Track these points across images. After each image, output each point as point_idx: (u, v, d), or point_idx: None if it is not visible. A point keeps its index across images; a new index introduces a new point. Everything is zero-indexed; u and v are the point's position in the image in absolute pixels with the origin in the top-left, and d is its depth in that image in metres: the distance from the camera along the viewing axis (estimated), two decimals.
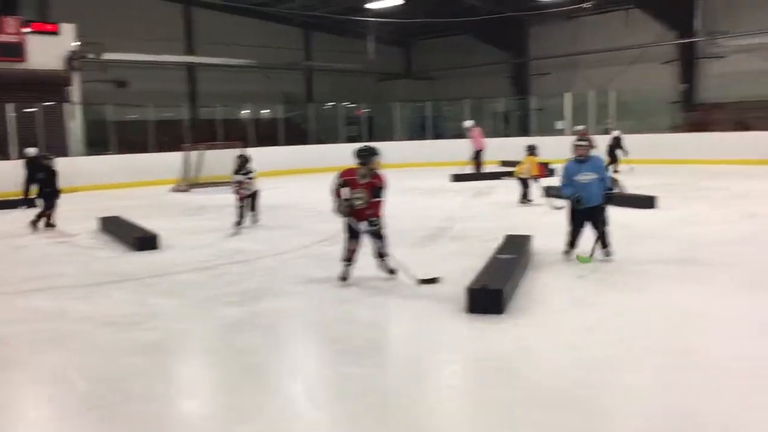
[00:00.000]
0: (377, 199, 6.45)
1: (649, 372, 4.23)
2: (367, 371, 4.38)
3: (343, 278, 6.67)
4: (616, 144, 19.10)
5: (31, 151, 14.90)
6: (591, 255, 7.17)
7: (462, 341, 5.00)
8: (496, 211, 11.62)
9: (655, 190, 12.04)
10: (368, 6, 24.29)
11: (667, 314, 5.37)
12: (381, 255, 6.69)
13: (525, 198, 12.20)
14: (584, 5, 23.38)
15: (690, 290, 6.11)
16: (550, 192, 11.82)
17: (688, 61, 25.01)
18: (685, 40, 24.52)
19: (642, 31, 26.26)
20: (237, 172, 10.49)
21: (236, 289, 6.71)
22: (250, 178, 10.39)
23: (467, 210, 12.02)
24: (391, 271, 6.72)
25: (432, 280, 6.49)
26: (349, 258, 6.64)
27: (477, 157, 18.90)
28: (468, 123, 19.85)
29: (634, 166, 18.37)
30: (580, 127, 21.25)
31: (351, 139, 26.82)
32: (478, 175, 18.05)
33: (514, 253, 6.78)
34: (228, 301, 6.20)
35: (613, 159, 18.72)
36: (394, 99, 28.37)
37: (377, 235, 6.57)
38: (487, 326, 5.15)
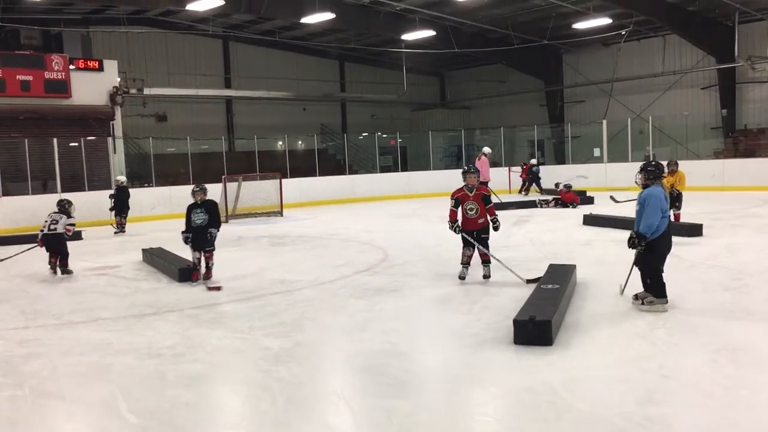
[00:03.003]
0: (489, 206, 7.68)
1: (700, 407, 4.08)
2: (413, 403, 4.30)
3: (462, 277, 7.78)
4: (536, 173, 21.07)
5: (122, 179, 15.70)
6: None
7: (511, 373, 4.88)
8: (535, 240, 11.47)
9: (700, 218, 11.76)
10: (403, 38, 24.51)
11: (719, 347, 5.19)
12: (485, 260, 7.82)
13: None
14: (622, 32, 23.20)
15: (742, 322, 5.90)
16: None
17: (729, 86, 24.52)
18: (725, 65, 24.05)
19: (680, 57, 25.99)
20: None
21: (278, 319, 6.70)
22: None
23: (507, 239, 11.89)
24: (486, 276, 7.79)
25: (536, 279, 7.10)
26: (466, 262, 7.81)
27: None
28: (486, 149, 18.39)
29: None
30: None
31: (385, 169, 26.98)
32: (517, 204, 17.85)
33: (558, 282, 6.66)
34: (270, 332, 6.19)
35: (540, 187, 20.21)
36: (429, 128, 28.46)
37: (485, 242, 7.75)
38: (535, 358, 5.04)
